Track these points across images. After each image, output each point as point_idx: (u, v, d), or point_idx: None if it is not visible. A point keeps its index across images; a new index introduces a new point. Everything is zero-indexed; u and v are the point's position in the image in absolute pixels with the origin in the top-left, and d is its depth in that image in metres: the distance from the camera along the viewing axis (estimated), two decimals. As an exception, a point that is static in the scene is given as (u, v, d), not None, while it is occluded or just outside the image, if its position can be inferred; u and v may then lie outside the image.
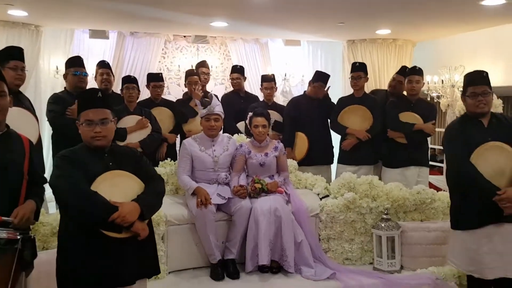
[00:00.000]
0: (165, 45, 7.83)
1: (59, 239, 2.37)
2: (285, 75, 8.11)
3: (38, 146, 3.35)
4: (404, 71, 4.83)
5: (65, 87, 4.23)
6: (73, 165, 2.28)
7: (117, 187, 2.32)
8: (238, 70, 5.35)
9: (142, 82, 5.41)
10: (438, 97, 7.29)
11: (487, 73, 3.02)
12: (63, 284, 2.29)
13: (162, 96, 4.85)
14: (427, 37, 7.47)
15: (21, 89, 3.64)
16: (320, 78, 4.82)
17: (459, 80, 6.96)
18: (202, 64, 5.60)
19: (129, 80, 4.40)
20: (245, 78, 5.46)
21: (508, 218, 2.85)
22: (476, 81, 3.00)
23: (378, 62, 7.44)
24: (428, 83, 7.24)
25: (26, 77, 3.66)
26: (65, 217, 2.34)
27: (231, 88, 5.48)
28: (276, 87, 5.19)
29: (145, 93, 5.07)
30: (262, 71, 7.49)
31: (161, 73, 4.98)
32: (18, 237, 2.15)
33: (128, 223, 2.24)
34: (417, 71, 4.55)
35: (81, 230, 2.25)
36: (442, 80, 7.11)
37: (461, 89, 7.16)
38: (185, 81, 5.01)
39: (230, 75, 5.41)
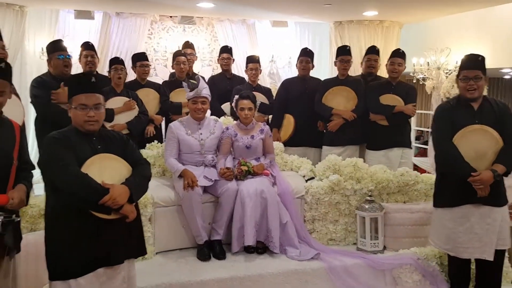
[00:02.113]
0: (151, 25, 7.75)
1: (46, 221, 2.39)
2: (272, 57, 8.08)
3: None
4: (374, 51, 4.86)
5: (48, 71, 4.18)
6: (64, 147, 2.29)
7: (106, 170, 2.35)
8: (228, 50, 5.39)
9: (128, 63, 5.36)
10: (424, 79, 7.34)
11: (483, 58, 3.02)
12: (53, 265, 2.31)
13: (148, 78, 4.83)
14: (414, 19, 7.49)
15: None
16: (303, 53, 4.85)
17: (444, 62, 7.01)
18: (187, 44, 5.57)
19: (117, 61, 4.38)
20: (233, 60, 5.46)
21: (484, 200, 2.93)
22: (470, 65, 3.00)
23: (365, 44, 7.41)
24: (414, 65, 7.29)
25: (11, 59, 3.61)
26: (52, 199, 2.35)
27: (219, 70, 5.47)
28: (261, 69, 5.19)
29: (130, 76, 5.04)
30: (249, 52, 7.42)
31: (145, 52, 4.96)
32: None
33: (118, 205, 2.28)
34: (400, 54, 4.58)
35: (70, 212, 2.27)
36: (428, 62, 7.15)
37: (446, 71, 7.22)
38: (173, 62, 5.00)
39: (219, 55, 5.41)
